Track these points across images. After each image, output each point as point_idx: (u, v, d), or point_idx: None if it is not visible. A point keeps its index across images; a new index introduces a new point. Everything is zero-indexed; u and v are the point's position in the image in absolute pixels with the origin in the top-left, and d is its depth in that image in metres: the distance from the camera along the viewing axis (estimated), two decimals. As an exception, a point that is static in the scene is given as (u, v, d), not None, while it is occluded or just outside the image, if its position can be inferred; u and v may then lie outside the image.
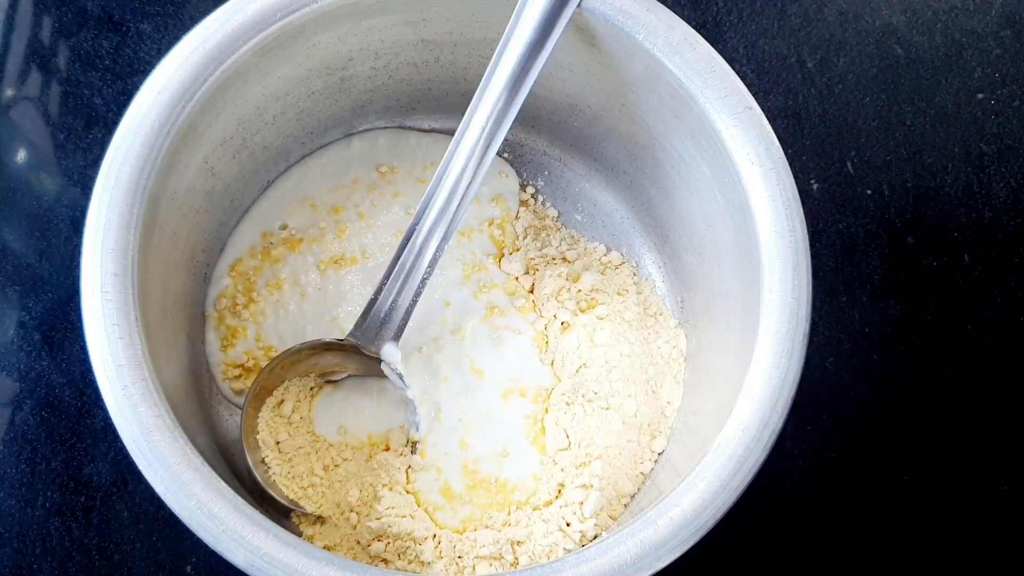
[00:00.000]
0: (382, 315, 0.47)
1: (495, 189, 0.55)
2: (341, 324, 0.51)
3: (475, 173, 0.44)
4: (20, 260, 0.54)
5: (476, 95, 0.43)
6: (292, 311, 0.51)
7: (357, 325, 0.48)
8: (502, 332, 0.52)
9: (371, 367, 0.49)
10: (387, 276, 0.47)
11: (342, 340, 0.48)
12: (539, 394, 0.51)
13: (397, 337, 0.47)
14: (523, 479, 0.49)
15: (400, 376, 0.48)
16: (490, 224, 0.54)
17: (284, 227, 0.53)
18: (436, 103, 0.54)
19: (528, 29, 0.42)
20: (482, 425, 0.50)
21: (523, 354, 0.51)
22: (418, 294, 0.47)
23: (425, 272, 0.46)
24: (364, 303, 0.48)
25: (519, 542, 0.47)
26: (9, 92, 0.57)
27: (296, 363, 0.49)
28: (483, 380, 0.51)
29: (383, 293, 0.47)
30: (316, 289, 0.52)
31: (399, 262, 0.46)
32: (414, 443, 0.50)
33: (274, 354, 0.50)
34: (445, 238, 0.45)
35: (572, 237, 0.55)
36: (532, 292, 0.53)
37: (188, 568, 0.51)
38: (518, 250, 0.54)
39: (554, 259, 0.53)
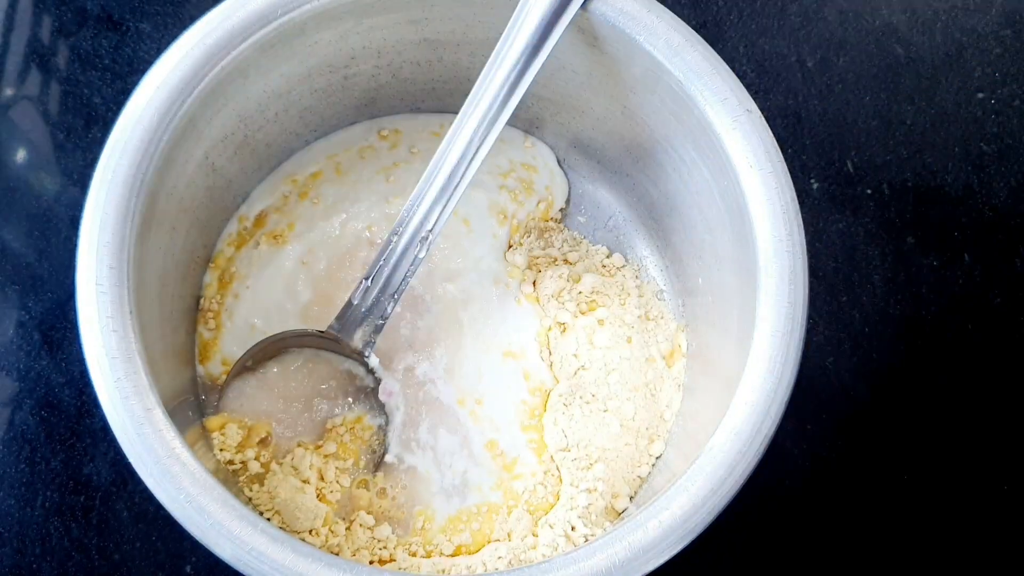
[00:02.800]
0: (363, 310, 0.47)
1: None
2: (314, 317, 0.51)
3: (464, 174, 0.44)
4: (20, 260, 0.54)
5: (472, 94, 0.43)
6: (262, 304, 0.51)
7: (338, 317, 0.47)
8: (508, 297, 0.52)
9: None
10: (368, 275, 0.46)
11: (323, 331, 0.48)
12: (539, 388, 0.51)
13: (377, 333, 0.47)
14: (525, 482, 0.49)
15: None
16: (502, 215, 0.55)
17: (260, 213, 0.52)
18: (439, 103, 0.54)
19: (529, 29, 0.42)
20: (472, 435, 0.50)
21: (526, 332, 0.52)
22: (399, 293, 0.47)
23: (406, 275, 0.46)
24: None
25: (528, 549, 0.47)
26: (9, 91, 0.57)
27: (280, 350, 0.49)
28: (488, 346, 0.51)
29: (365, 290, 0.47)
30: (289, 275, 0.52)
31: (381, 261, 0.46)
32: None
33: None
34: (430, 238, 0.45)
35: (574, 239, 0.55)
36: (535, 289, 0.53)
37: (187, 568, 0.50)
38: (521, 244, 0.53)
39: (555, 260, 0.53)
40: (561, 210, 0.55)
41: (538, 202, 0.54)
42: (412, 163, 0.54)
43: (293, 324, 0.50)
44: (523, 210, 0.54)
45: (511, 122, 0.45)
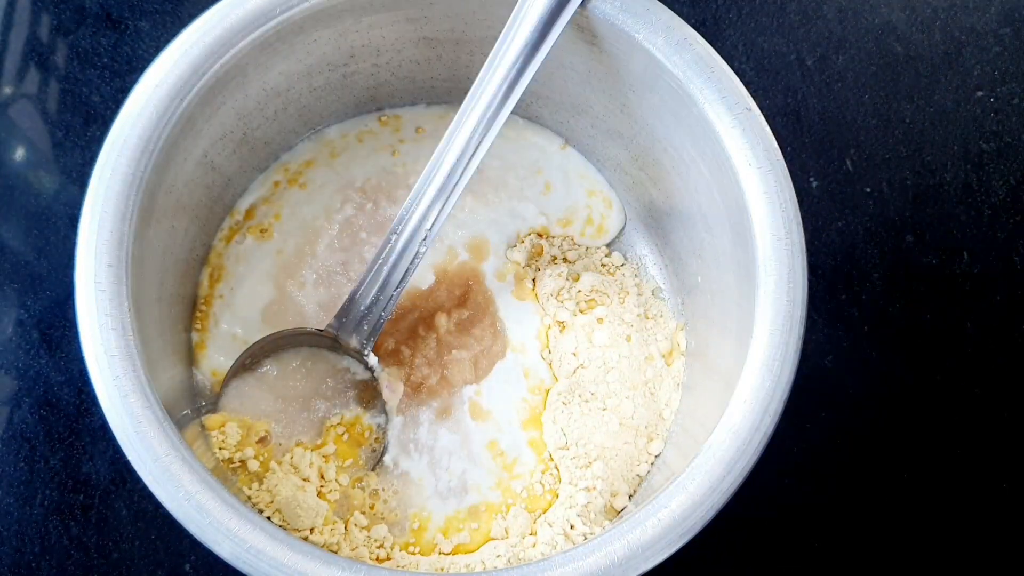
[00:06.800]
0: (362, 309, 0.47)
1: None
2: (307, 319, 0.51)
3: (463, 172, 0.44)
4: (18, 258, 0.54)
5: (471, 91, 0.43)
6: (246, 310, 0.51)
7: (337, 316, 0.47)
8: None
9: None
10: (368, 272, 0.46)
11: (321, 330, 0.48)
12: (539, 387, 0.51)
13: (376, 332, 0.47)
14: (524, 481, 0.49)
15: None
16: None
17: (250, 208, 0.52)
18: (439, 100, 0.54)
19: (528, 27, 0.42)
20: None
21: (526, 329, 0.52)
22: (398, 292, 0.47)
23: (405, 273, 0.46)
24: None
25: (527, 548, 0.47)
26: (7, 90, 0.57)
27: (278, 348, 0.49)
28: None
29: (364, 287, 0.47)
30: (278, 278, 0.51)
31: (380, 259, 0.46)
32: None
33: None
34: (429, 237, 0.45)
35: (574, 238, 0.55)
36: (534, 287, 0.53)
37: (187, 566, 0.50)
38: (522, 242, 0.53)
39: (555, 259, 0.53)
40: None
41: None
42: (420, 142, 0.53)
43: (273, 327, 0.50)
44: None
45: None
